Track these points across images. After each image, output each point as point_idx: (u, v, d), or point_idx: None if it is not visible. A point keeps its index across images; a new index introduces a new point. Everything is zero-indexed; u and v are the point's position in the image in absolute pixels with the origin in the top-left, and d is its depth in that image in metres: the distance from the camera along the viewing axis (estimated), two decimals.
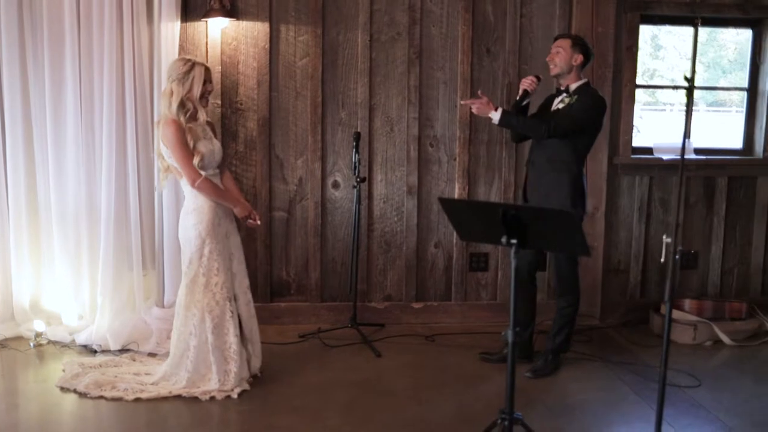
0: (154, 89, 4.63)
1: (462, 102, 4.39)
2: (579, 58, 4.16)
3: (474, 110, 4.26)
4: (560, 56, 4.17)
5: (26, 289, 4.72)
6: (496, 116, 4.17)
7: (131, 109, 4.56)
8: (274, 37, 4.87)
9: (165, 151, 3.85)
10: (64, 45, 4.49)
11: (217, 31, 4.80)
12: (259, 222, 4.11)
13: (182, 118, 3.80)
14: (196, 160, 3.79)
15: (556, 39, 4.30)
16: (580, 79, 4.20)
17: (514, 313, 3.18)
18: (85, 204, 4.62)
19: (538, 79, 4.25)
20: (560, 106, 4.19)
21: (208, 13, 4.69)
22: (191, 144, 3.80)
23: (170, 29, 4.59)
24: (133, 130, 4.57)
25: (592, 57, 4.26)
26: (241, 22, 4.82)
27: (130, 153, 4.58)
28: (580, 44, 4.18)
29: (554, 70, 4.21)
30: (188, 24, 4.76)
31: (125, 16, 4.51)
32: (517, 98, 4.27)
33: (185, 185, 3.87)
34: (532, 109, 4.39)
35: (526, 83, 4.22)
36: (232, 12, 4.75)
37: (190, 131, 3.81)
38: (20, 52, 4.51)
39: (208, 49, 4.80)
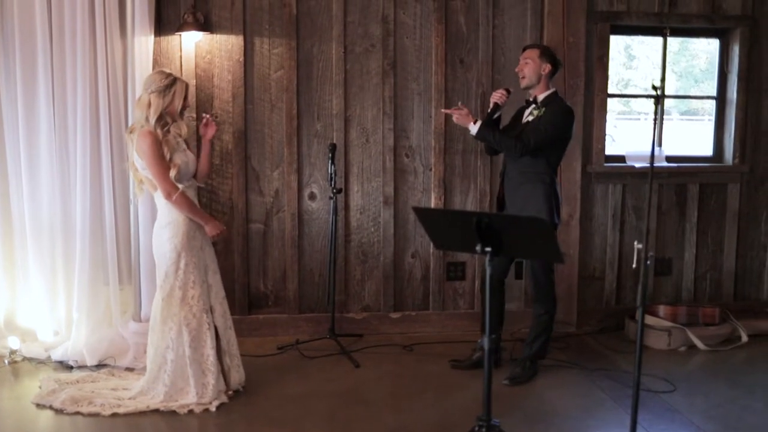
0: (128, 103, 4.61)
1: (443, 110, 4.47)
2: (547, 68, 4.22)
3: (454, 119, 4.32)
4: (529, 67, 4.23)
5: (0, 305, 4.67)
6: (474, 129, 4.22)
7: (105, 124, 4.54)
8: (248, 50, 4.89)
9: (139, 163, 3.83)
10: (37, 59, 4.47)
11: (191, 44, 4.80)
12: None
13: (159, 131, 3.79)
14: (172, 173, 3.78)
15: (524, 50, 4.36)
16: (548, 89, 4.26)
17: (489, 320, 3.19)
18: (59, 218, 4.59)
19: (508, 91, 4.30)
20: (530, 118, 4.25)
21: (181, 27, 4.70)
22: (168, 156, 3.79)
23: (144, 43, 4.57)
24: (108, 144, 4.55)
25: (560, 66, 4.32)
26: (215, 35, 4.83)
27: (104, 167, 4.56)
28: (547, 54, 4.25)
29: (524, 82, 4.27)
30: (162, 38, 4.76)
31: (98, 31, 4.49)
32: (488, 111, 4.32)
33: (159, 198, 3.85)
34: (505, 121, 4.44)
35: (496, 96, 4.28)
36: (205, 26, 4.76)
37: (167, 143, 3.80)
38: None
39: (183, 63, 4.80)
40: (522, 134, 4.18)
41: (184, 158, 3.87)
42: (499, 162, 5.15)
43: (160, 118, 3.80)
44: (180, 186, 3.81)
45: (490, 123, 4.27)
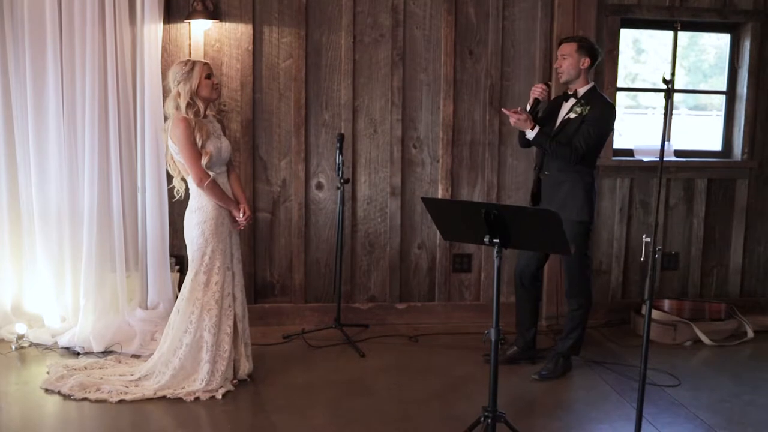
0: (137, 91, 4.62)
1: (503, 110, 4.29)
2: (586, 62, 4.13)
3: (512, 122, 4.20)
4: (567, 62, 4.14)
5: (8, 291, 4.70)
6: (531, 134, 4.15)
7: (114, 111, 4.54)
8: (257, 39, 4.88)
9: (173, 148, 3.86)
10: (46, 46, 4.47)
11: (200, 32, 4.79)
12: (241, 228, 4.06)
13: (191, 116, 3.81)
14: (204, 160, 3.80)
15: (560, 43, 4.26)
16: (588, 82, 4.19)
17: (497, 313, 3.19)
18: (67, 205, 4.60)
19: (548, 85, 4.25)
20: (572, 115, 4.15)
21: (190, 15, 4.69)
22: (200, 143, 3.81)
23: (153, 31, 4.58)
24: (116, 132, 4.56)
25: (600, 56, 4.23)
26: (224, 23, 4.82)
27: (112, 154, 4.57)
28: (586, 47, 4.14)
29: (562, 77, 4.19)
30: (171, 25, 4.76)
31: (107, 18, 4.49)
32: (528, 107, 4.21)
33: (191, 183, 3.89)
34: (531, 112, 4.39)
35: (537, 92, 4.20)
36: (215, 14, 4.75)
37: (200, 129, 3.82)
38: (1, 53, 4.49)
39: (191, 51, 4.80)
40: (561, 135, 4.12)
41: (218, 144, 3.90)
42: (507, 154, 5.18)
43: (190, 104, 3.82)
44: (211, 173, 3.84)
45: (539, 123, 4.18)
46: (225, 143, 3.97)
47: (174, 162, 3.94)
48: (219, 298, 3.89)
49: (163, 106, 4.06)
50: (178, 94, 3.84)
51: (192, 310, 3.86)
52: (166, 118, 3.98)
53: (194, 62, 3.89)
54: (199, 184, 3.82)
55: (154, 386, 3.86)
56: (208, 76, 3.88)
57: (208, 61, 4.02)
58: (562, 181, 4.18)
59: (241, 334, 4.05)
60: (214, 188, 3.85)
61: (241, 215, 3.95)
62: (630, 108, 6.38)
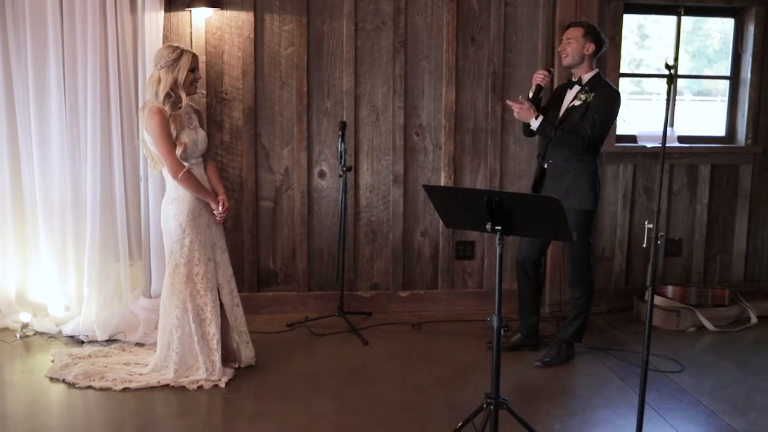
0: (139, 79, 4.62)
1: (508, 101, 4.29)
2: (591, 48, 4.12)
3: (515, 113, 4.19)
4: (572, 46, 4.13)
5: (12, 280, 4.72)
6: (535, 124, 4.14)
7: (116, 100, 4.54)
8: (258, 27, 4.86)
9: (148, 139, 3.83)
10: (47, 35, 4.46)
11: (201, 20, 4.78)
12: (219, 221, 4.00)
13: (167, 107, 3.78)
14: (178, 151, 3.77)
15: (567, 27, 4.25)
16: (592, 69, 4.17)
17: (500, 298, 3.18)
18: (70, 195, 4.61)
19: (549, 72, 4.22)
20: (576, 102, 4.14)
21: (192, 3, 4.68)
22: (174, 134, 3.77)
23: (154, 19, 4.57)
24: (118, 121, 4.56)
25: (605, 45, 4.22)
26: (225, 11, 4.80)
27: (115, 143, 4.57)
28: (592, 33, 4.13)
29: (566, 60, 4.18)
30: (172, 13, 4.75)
31: (108, 6, 4.48)
32: (530, 94, 4.20)
33: (167, 174, 3.86)
34: (540, 100, 4.36)
35: (539, 78, 4.19)
36: (216, 1, 4.73)
37: (174, 120, 3.78)
38: (2, 42, 4.48)
39: (193, 39, 4.79)
40: (566, 123, 4.11)
41: (194, 136, 3.86)
42: (509, 141, 5.17)
43: (169, 94, 3.79)
44: (186, 164, 3.81)
45: (532, 103, 4.17)
46: (201, 135, 3.92)
47: (147, 147, 3.88)
48: (201, 289, 3.86)
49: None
50: (158, 81, 3.77)
51: (176, 304, 3.85)
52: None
53: (182, 51, 3.82)
54: (174, 176, 3.78)
55: (159, 377, 3.88)
56: (192, 70, 3.83)
57: (196, 53, 3.94)
58: (567, 170, 4.17)
59: (233, 324, 4.04)
60: (189, 180, 3.81)
61: (219, 207, 3.92)
62: (634, 94, 6.36)
